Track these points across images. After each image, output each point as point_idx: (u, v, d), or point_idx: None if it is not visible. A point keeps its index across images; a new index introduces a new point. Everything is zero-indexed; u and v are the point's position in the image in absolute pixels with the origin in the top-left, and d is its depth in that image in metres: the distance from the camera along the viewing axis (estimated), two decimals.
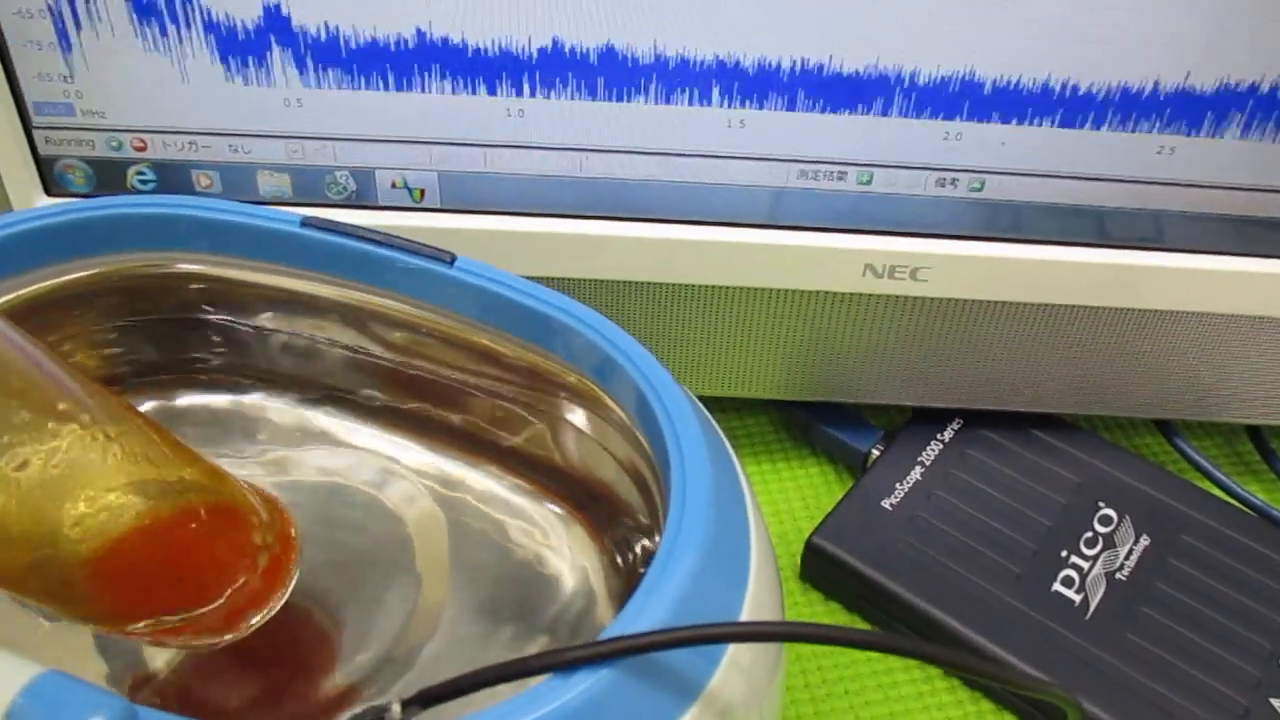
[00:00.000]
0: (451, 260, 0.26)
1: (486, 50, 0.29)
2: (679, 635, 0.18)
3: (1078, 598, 0.33)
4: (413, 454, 0.30)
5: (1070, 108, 0.29)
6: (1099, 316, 0.34)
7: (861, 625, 0.34)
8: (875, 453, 0.37)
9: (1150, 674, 0.31)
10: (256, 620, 0.23)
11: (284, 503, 0.25)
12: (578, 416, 0.28)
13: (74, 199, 0.30)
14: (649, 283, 0.33)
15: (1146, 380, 0.36)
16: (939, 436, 0.37)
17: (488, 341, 0.27)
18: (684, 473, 0.21)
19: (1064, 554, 0.34)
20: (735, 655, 0.20)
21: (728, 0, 0.28)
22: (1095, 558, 0.34)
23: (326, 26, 0.28)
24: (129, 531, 0.20)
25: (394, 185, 0.31)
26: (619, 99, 0.29)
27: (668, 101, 0.29)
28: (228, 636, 0.23)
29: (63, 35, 0.28)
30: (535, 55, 0.29)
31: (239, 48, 0.28)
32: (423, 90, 0.29)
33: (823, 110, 0.30)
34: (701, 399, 0.28)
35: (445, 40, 0.28)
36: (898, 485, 0.36)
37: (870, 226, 0.32)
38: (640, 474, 0.26)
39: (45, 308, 0.27)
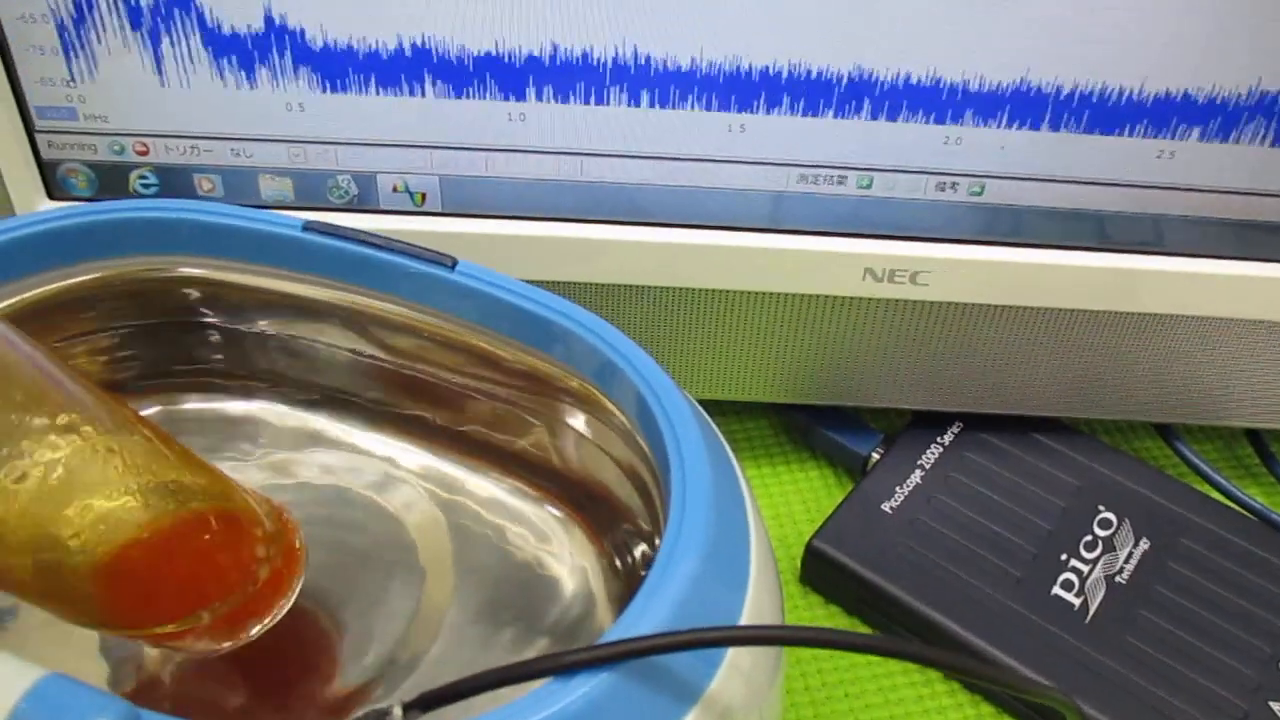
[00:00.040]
0: (453, 264, 0.26)
1: (487, 55, 0.29)
2: (679, 639, 0.18)
3: (1077, 601, 0.33)
4: (414, 457, 0.30)
5: (1070, 112, 0.30)
6: (1099, 320, 0.34)
7: (861, 628, 0.34)
8: (875, 456, 0.37)
9: (1150, 677, 0.31)
10: (256, 630, 0.23)
11: (290, 514, 0.25)
12: (578, 420, 0.28)
13: (76, 203, 0.30)
14: (649, 286, 0.33)
15: (1146, 384, 0.36)
16: (939, 440, 0.37)
17: (488, 345, 0.27)
18: (684, 476, 0.21)
19: (1064, 557, 0.34)
20: (735, 659, 0.20)
21: (728, 5, 0.28)
22: (1095, 561, 0.34)
23: (328, 31, 0.28)
24: (129, 540, 0.20)
25: (395, 189, 0.31)
26: (619, 103, 0.29)
27: (668, 105, 0.29)
28: (226, 644, 0.23)
29: (65, 40, 0.28)
30: (535, 60, 0.29)
31: (241, 52, 0.29)
32: (424, 95, 0.29)
33: (822, 114, 0.30)
34: (702, 402, 0.29)
35: (446, 45, 0.28)
36: (898, 489, 0.36)
37: (870, 230, 0.32)
38: (640, 477, 0.26)
39: (47, 312, 0.27)
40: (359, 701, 0.25)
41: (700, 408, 0.25)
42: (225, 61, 0.29)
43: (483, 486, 0.30)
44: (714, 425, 0.25)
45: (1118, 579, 0.33)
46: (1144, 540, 0.35)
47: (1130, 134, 0.30)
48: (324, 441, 0.30)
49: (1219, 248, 0.32)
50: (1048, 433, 0.38)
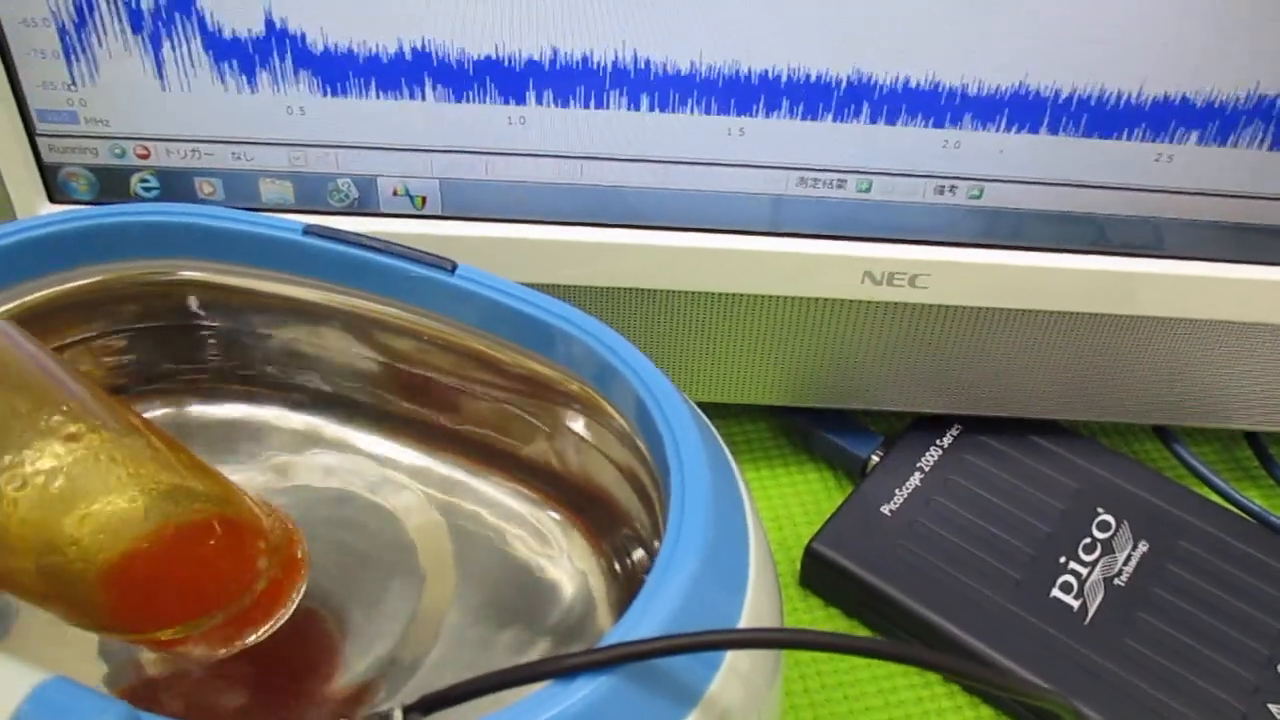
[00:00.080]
0: (452, 268, 0.26)
1: (487, 58, 0.29)
2: (678, 642, 0.18)
3: (1076, 603, 0.33)
4: (414, 459, 0.30)
5: (1068, 115, 0.30)
6: (1097, 323, 0.34)
7: (861, 631, 0.34)
8: (875, 459, 0.37)
9: (1148, 679, 0.31)
10: (252, 639, 0.23)
11: (294, 523, 0.25)
12: (578, 423, 0.28)
13: (77, 206, 0.30)
14: (649, 290, 0.33)
15: (1145, 386, 0.36)
16: (938, 442, 0.37)
17: (488, 349, 0.27)
18: (683, 480, 0.21)
19: (1062, 560, 0.34)
20: (734, 661, 0.20)
21: (727, 8, 0.28)
22: (1094, 563, 0.34)
23: (328, 35, 0.28)
24: (132, 545, 0.20)
25: (396, 193, 0.31)
26: (619, 107, 0.29)
27: (668, 109, 0.30)
28: (222, 651, 0.23)
29: (66, 44, 0.28)
30: (535, 64, 0.29)
31: (242, 56, 0.29)
32: (424, 98, 0.29)
33: (821, 118, 0.30)
34: (701, 405, 0.29)
35: (446, 48, 0.28)
36: (897, 491, 0.36)
37: (869, 233, 0.32)
38: (640, 481, 0.26)
39: (48, 315, 0.27)
40: (359, 703, 0.25)
41: (699, 411, 0.25)
42: (226, 65, 0.29)
43: (483, 489, 0.30)
44: (713, 428, 0.25)
45: (1116, 581, 0.33)
46: (1142, 542, 0.35)
47: (1128, 137, 0.30)
48: (324, 444, 0.31)
49: (1217, 251, 0.32)
50: (1046, 435, 0.38)
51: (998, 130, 0.30)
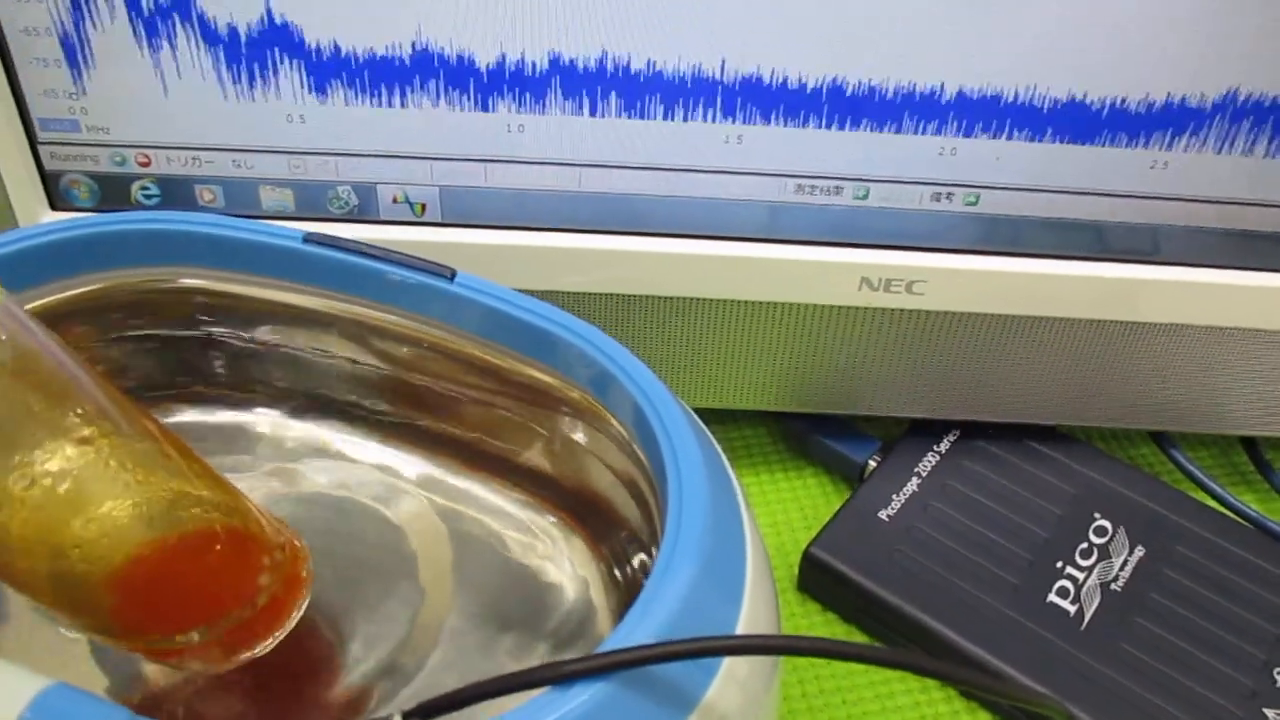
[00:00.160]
0: (452, 276, 0.26)
1: (486, 66, 0.29)
2: (676, 648, 0.18)
3: (1073, 608, 0.33)
4: (414, 466, 0.31)
5: (1065, 122, 0.30)
6: (1095, 329, 0.34)
7: (858, 636, 0.35)
8: (872, 464, 0.37)
9: (1145, 685, 0.31)
10: (246, 656, 0.23)
11: (301, 540, 0.25)
12: (576, 430, 0.28)
13: (79, 214, 0.31)
14: (647, 296, 0.33)
15: (1142, 392, 0.36)
16: (936, 448, 0.38)
17: (487, 356, 0.27)
18: (680, 486, 0.22)
19: (1059, 565, 0.34)
20: (731, 667, 0.20)
21: (725, 16, 0.28)
22: (1090, 568, 0.34)
23: (328, 43, 0.28)
24: (136, 550, 0.20)
25: (395, 200, 0.32)
26: (617, 114, 0.30)
27: (666, 117, 0.30)
28: (220, 665, 0.23)
29: (68, 52, 0.29)
30: (534, 71, 0.29)
31: (242, 64, 0.29)
32: (424, 106, 0.29)
33: (819, 125, 0.30)
34: (699, 411, 0.29)
35: (445, 56, 0.29)
36: (894, 496, 0.36)
37: (866, 240, 0.32)
38: (638, 487, 0.26)
39: (50, 322, 0.27)
40: (359, 709, 0.25)
41: (697, 417, 0.25)
42: (227, 73, 0.29)
43: (482, 495, 0.30)
44: (710, 435, 0.25)
45: (1113, 586, 0.33)
46: (1139, 548, 0.35)
47: (1124, 144, 0.30)
48: (325, 451, 0.31)
49: (1214, 257, 0.33)
50: (1044, 440, 0.38)
51: (994, 137, 0.30)
